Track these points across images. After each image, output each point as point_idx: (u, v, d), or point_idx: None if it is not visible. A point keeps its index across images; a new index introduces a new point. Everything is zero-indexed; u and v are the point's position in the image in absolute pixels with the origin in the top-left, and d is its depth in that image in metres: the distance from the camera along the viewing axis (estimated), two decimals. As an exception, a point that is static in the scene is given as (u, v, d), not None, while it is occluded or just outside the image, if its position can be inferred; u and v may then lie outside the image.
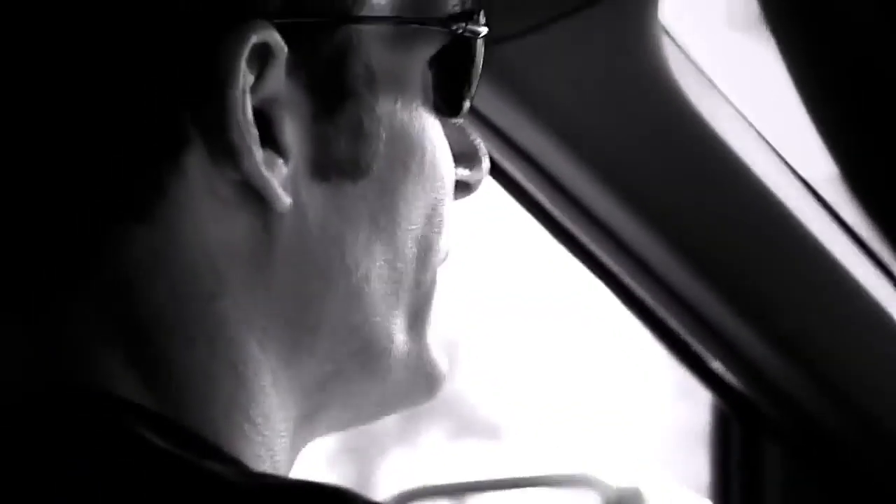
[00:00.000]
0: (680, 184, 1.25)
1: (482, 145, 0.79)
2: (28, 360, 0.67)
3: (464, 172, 0.77)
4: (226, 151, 0.66)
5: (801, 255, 1.27)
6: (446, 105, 0.75)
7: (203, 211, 0.67)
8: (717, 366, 1.36)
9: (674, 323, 1.34)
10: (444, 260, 0.76)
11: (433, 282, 0.75)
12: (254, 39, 0.65)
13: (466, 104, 0.76)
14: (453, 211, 0.76)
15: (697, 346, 1.36)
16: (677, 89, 1.18)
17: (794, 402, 1.35)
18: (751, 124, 1.25)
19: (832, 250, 1.27)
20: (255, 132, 0.66)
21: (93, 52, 0.65)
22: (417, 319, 0.75)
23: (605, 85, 1.19)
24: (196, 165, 0.66)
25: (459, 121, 0.77)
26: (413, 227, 0.73)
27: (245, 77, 0.65)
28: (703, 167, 1.23)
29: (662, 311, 1.34)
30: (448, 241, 0.76)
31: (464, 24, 0.74)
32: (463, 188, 0.78)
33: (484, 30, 0.75)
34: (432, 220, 0.73)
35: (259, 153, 0.66)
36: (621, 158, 1.23)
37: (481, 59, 0.75)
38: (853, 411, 1.34)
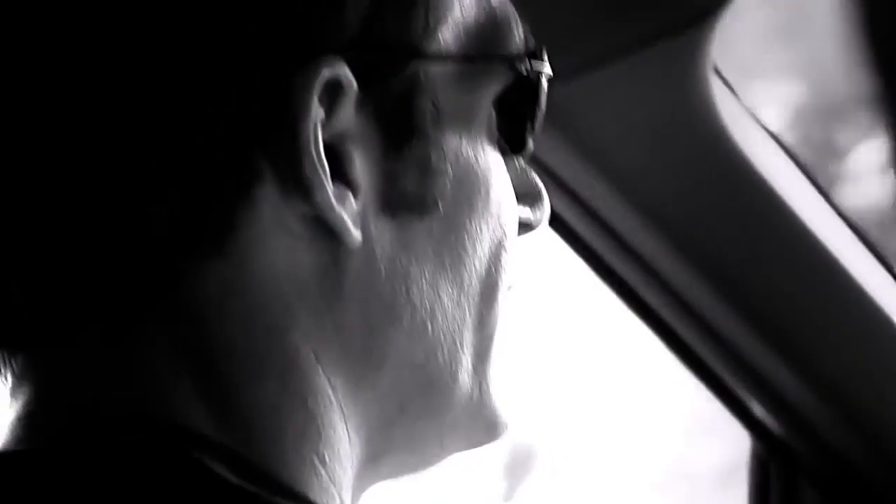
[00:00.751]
0: (724, 227, 1.26)
1: (543, 186, 0.79)
2: (102, 387, 0.67)
3: (525, 212, 0.77)
4: (297, 185, 0.66)
5: (843, 299, 1.27)
6: (510, 142, 0.75)
7: (274, 245, 0.67)
8: (757, 408, 1.37)
9: (716, 364, 1.35)
10: (511, 293, 0.76)
11: (497, 320, 0.74)
12: (326, 75, 0.65)
13: (530, 142, 0.76)
14: (517, 247, 0.75)
15: (738, 388, 1.37)
16: (726, 132, 1.19)
17: (832, 447, 1.36)
18: (797, 164, 1.26)
19: (874, 295, 1.27)
20: (326, 166, 0.66)
21: (171, 89, 0.65)
22: (481, 359, 0.74)
23: (654, 126, 1.20)
24: (267, 199, 0.66)
25: (522, 161, 0.77)
26: (478, 263, 0.72)
27: (316, 112, 0.66)
28: (750, 211, 1.24)
29: (705, 353, 1.35)
30: (512, 278, 0.75)
31: (529, 63, 0.74)
32: (524, 227, 0.77)
33: (548, 69, 0.75)
34: (497, 258, 0.73)
35: (330, 187, 0.66)
36: (668, 200, 1.24)
37: (545, 98, 0.76)
38: (891, 458, 1.35)
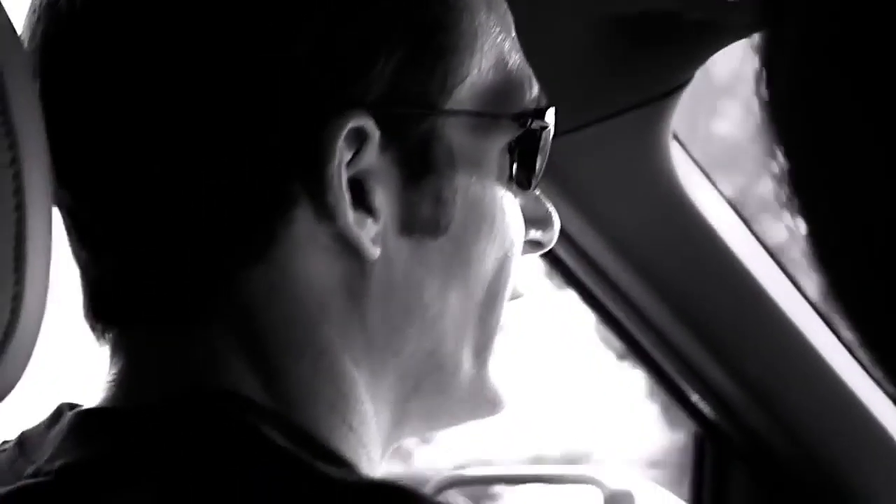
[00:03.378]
0: (675, 254, 1.36)
1: (554, 211, 0.82)
2: (176, 361, 0.72)
3: (536, 234, 0.80)
4: (325, 210, 0.70)
5: (764, 314, 1.38)
6: (519, 181, 0.77)
7: (309, 255, 0.71)
8: (697, 400, 1.50)
9: (664, 364, 1.47)
10: (514, 299, 0.79)
11: (498, 322, 0.78)
12: (351, 125, 0.69)
13: (535, 181, 0.78)
14: (520, 265, 0.78)
15: (681, 383, 1.48)
16: (679, 184, 1.30)
17: (754, 429, 1.49)
18: (738, 214, 1.37)
19: (788, 310, 1.38)
20: (348, 197, 0.70)
21: (228, 135, 0.69)
22: (482, 352, 0.77)
23: (624, 175, 1.30)
24: (303, 220, 0.70)
25: (535, 191, 0.80)
26: (482, 277, 0.76)
27: (342, 154, 0.70)
28: (694, 244, 1.34)
29: (656, 355, 1.47)
30: (513, 290, 0.79)
31: (533, 119, 0.77)
32: (536, 246, 0.81)
33: (551, 124, 0.78)
34: (499, 273, 0.76)
35: (351, 214, 0.70)
36: (633, 232, 1.35)
37: (548, 148, 0.78)
38: (798, 439, 1.46)
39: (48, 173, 0.62)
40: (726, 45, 1.21)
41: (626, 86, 1.25)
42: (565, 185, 1.27)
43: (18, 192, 0.59)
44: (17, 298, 0.59)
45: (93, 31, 0.71)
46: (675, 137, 1.31)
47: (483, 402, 0.79)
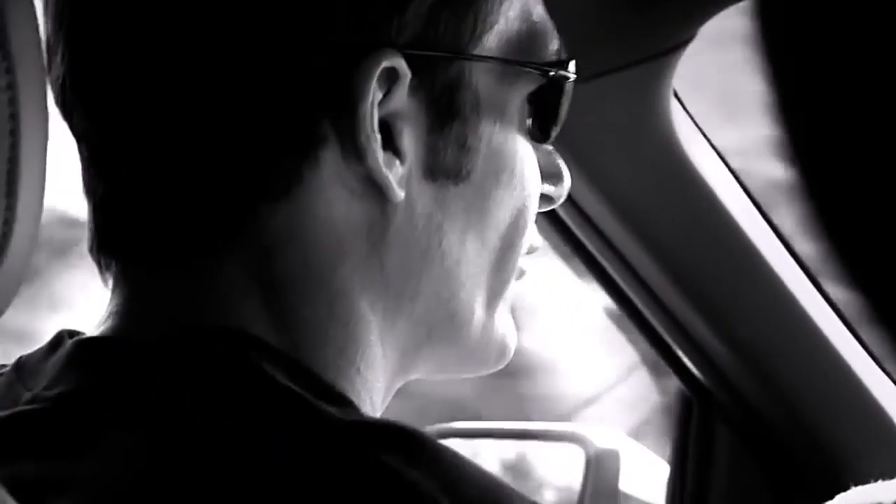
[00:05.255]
0: (672, 216, 1.36)
1: (566, 167, 0.83)
2: (184, 295, 0.72)
3: (549, 188, 0.82)
4: (354, 150, 0.71)
5: (760, 281, 1.39)
6: (538, 132, 0.79)
7: (333, 196, 0.71)
8: (686, 360, 1.50)
9: (656, 324, 1.47)
10: (530, 253, 0.81)
11: (512, 271, 0.79)
12: (384, 64, 0.70)
13: (555, 132, 0.80)
14: (535, 217, 0.80)
15: (672, 343, 1.48)
16: (678, 142, 1.30)
17: (739, 391, 1.48)
18: (733, 174, 1.37)
19: (782, 276, 1.38)
20: (379, 138, 0.71)
21: (259, 72, 0.70)
22: (494, 299, 0.79)
23: (624, 131, 1.30)
24: (330, 160, 0.71)
25: (549, 146, 0.82)
26: (500, 226, 0.77)
27: (374, 94, 0.70)
28: (691, 205, 1.35)
29: (649, 315, 1.47)
30: (529, 240, 0.80)
31: (558, 70, 0.78)
32: (547, 200, 0.82)
33: (573, 76, 0.79)
34: (516, 222, 0.77)
35: (381, 154, 0.71)
36: (630, 191, 1.34)
37: (569, 98, 0.79)
38: (784, 403, 1.47)
39: (45, 100, 0.61)
40: (730, 5, 1.21)
41: (627, 41, 1.25)
42: (564, 137, 1.25)
43: (14, 117, 0.59)
44: (7, 223, 0.58)
45: None
46: (676, 96, 1.31)
47: (491, 350, 0.80)
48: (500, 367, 0.82)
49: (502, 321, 0.80)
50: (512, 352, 0.82)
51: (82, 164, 0.74)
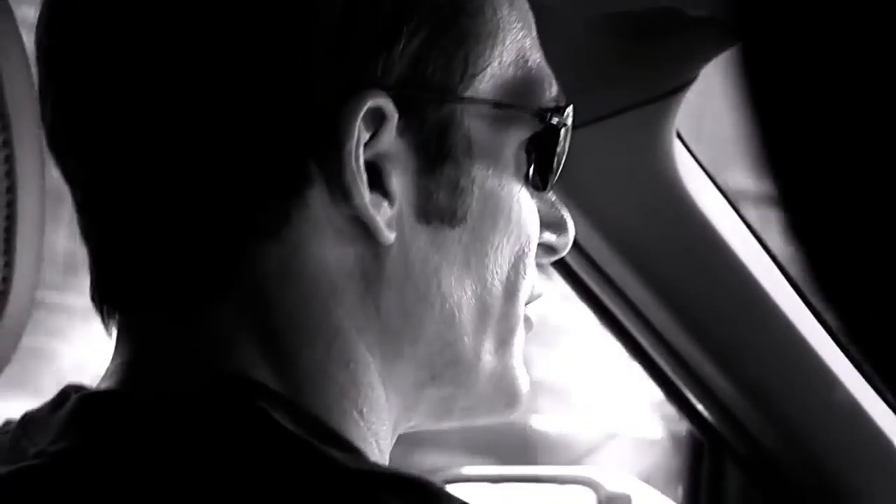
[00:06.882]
0: (677, 260, 1.36)
1: (569, 216, 0.82)
2: (185, 344, 0.71)
3: (553, 238, 0.81)
4: (341, 191, 0.70)
5: (767, 321, 1.38)
6: (537, 180, 0.77)
7: (323, 237, 0.71)
8: (695, 402, 1.50)
9: (664, 366, 1.47)
10: (532, 301, 0.80)
11: (519, 317, 0.78)
12: (369, 104, 0.69)
13: (553, 180, 0.78)
14: (535, 263, 0.78)
15: (681, 386, 1.49)
16: (681, 182, 1.30)
17: (750, 433, 1.48)
18: (738, 214, 1.37)
19: (793, 320, 1.38)
20: (364, 178, 0.70)
21: (243, 112, 0.69)
22: (503, 345, 0.77)
23: (627, 173, 1.30)
24: (318, 201, 0.70)
25: (550, 195, 0.80)
26: (500, 269, 0.75)
27: (360, 134, 0.69)
28: (698, 249, 1.34)
29: (658, 358, 1.47)
30: (534, 286, 0.79)
31: (553, 116, 0.77)
32: (552, 251, 0.81)
33: (570, 122, 0.77)
34: (517, 267, 0.76)
35: (367, 195, 0.70)
36: (634, 232, 1.34)
37: (567, 146, 0.78)
38: (795, 443, 1.46)
39: (42, 157, 0.62)
40: (732, 46, 1.21)
41: (630, 83, 1.25)
42: (566, 182, 1.22)
43: (11, 174, 0.60)
44: (6, 280, 0.59)
45: (110, 6, 0.71)
46: (679, 136, 1.31)
47: (502, 397, 0.79)
48: (511, 415, 0.81)
49: (513, 367, 0.79)
50: (524, 400, 0.80)
51: (77, 210, 0.74)
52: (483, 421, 0.81)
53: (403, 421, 0.77)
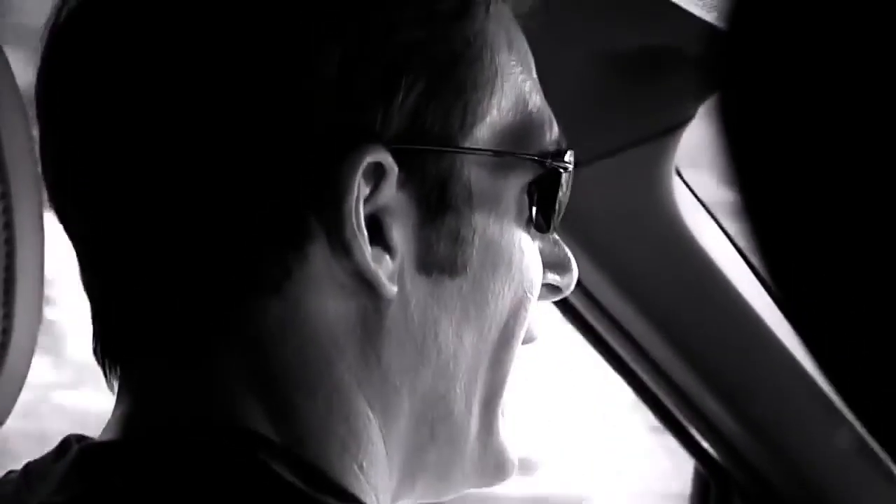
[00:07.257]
0: (679, 296, 1.36)
1: (572, 256, 0.81)
2: (185, 397, 0.71)
3: (555, 278, 0.80)
4: (342, 247, 0.69)
5: (770, 357, 1.38)
6: (539, 222, 0.77)
7: (324, 292, 0.71)
8: (700, 438, 1.49)
9: (669, 404, 1.46)
10: (527, 343, 0.79)
11: (511, 363, 0.77)
12: (368, 160, 0.69)
13: (556, 222, 0.78)
14: (537, 307, 0.78)
15: (687, 425, 1.48)
16: (681, 218, 1.30)
17: (758, 471, 1.47)
18: (738, 250, 1.36)
19: (797, 356, 1.37)
20: (365, 233, 0.70)
21: (242, 167, 0.69)
22: (492, 397, 0.77)
23: (628, 209, 1.30)
24: (319, 255, 0.70)
25: (554, 235, 0.80)
26: (499, 317, 0.75)
27: (360, 189, 0.69)
28: (700, 286, 1.34)
29: (664, 398, 1.46)
30: (534, 328, 0.79)
31: (554, 160, 0.76)
32: (555, 291, 0.81)
33: (570, 165, 0.77)
34: (516, 314, 0.76)
35: (368, 250, 0.70)
36: (637, 274, 1.34)
37: (568, 188, 0.77)
38: (801, 479, 1.45)
39: (41, 208, 0.62)
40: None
41: (629, 122, 1.25)
42: (567, 220, 1.26)
43: (9, 226, 0.60)
44: (5, 332, 0.59)
45: (106, 53, 0.71)
46: (679, 174, 1.32)
47: (491, 460, 0.78)
48: (501, 480, 0.80)
49: (501, 428, 0.79)
50: (514, 466, 0.80)
51: (79, 263, 0.74)
52: (475, 486, 0.80)
53: (406, 490, 0.77)
